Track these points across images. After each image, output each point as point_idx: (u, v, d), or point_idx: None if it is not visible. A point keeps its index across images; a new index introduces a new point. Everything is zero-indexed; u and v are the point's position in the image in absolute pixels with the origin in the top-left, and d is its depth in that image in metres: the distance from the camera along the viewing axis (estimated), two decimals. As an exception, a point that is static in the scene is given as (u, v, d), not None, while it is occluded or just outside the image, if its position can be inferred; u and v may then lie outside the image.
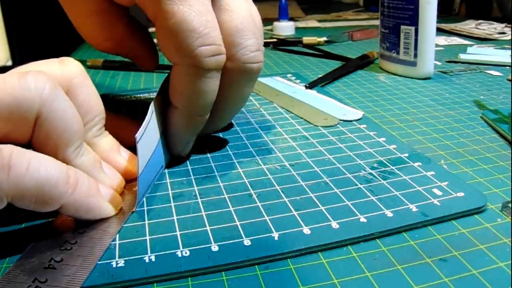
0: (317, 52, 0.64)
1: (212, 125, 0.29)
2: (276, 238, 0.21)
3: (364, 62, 0.56)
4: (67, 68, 0.23)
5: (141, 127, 0.23)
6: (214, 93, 0.26)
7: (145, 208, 0.24)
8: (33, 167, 0.18)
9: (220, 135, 0.33)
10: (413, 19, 0.47)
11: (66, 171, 0.20)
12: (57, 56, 0.24)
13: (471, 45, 0.67)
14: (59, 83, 0.21)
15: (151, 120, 0.25)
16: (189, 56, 0.24)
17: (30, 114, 0.20)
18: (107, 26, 0.30)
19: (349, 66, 0.53)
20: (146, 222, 0.22)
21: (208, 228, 0.22)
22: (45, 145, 0.21)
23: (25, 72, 0.20)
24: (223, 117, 0.29)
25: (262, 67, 0.27)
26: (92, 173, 0.22)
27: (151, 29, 0.32)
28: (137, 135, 0.23)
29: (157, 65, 0.35)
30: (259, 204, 0.24)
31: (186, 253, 0.20)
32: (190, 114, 0.26)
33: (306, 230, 0.21)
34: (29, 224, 0.23)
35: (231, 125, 0.35)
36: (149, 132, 0.24)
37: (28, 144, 0.21)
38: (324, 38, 0.71)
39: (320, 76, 0.49)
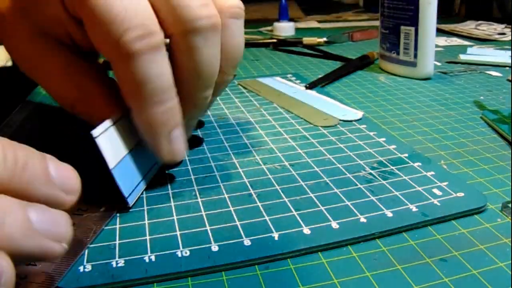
0: (317, 53, 0.65)
1: (190, 112, 0.25)
2: (276, 238, 0.21)
3: (364, 62, 0.56)
4: None
5: (103, 124, 0.22)
6: (163, 76, 0.22)
7: (145, 208, 0.24)
8: None
9: (221, 136, 0.33)
10: (413, 20, 0.47)
11: None
12: None
13: (471, 46, 0.67)
14: None
15: (121, 121, 0.24)
16: (117, 47, 0.21)
17: None
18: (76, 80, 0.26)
19: (349, 67, 0.53)
20: (146, 221, 0.22)
21: (208, 228, 0.22)
22: None
23: None
24: (195, 97, 0.25)
25: (216, 21, 0.23)
26: None
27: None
28: (94, 132, 0.21)
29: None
30: (259, 204, 0.24)
31: (186, 253, 0.20)
32: (148, 107, 0.23)
33: (306, 230, 0.21)
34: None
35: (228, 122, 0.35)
36: (120, 131, 0.23)
37: None
38: (324, 39, 0.71)
39: (320, 76, 0.49)
